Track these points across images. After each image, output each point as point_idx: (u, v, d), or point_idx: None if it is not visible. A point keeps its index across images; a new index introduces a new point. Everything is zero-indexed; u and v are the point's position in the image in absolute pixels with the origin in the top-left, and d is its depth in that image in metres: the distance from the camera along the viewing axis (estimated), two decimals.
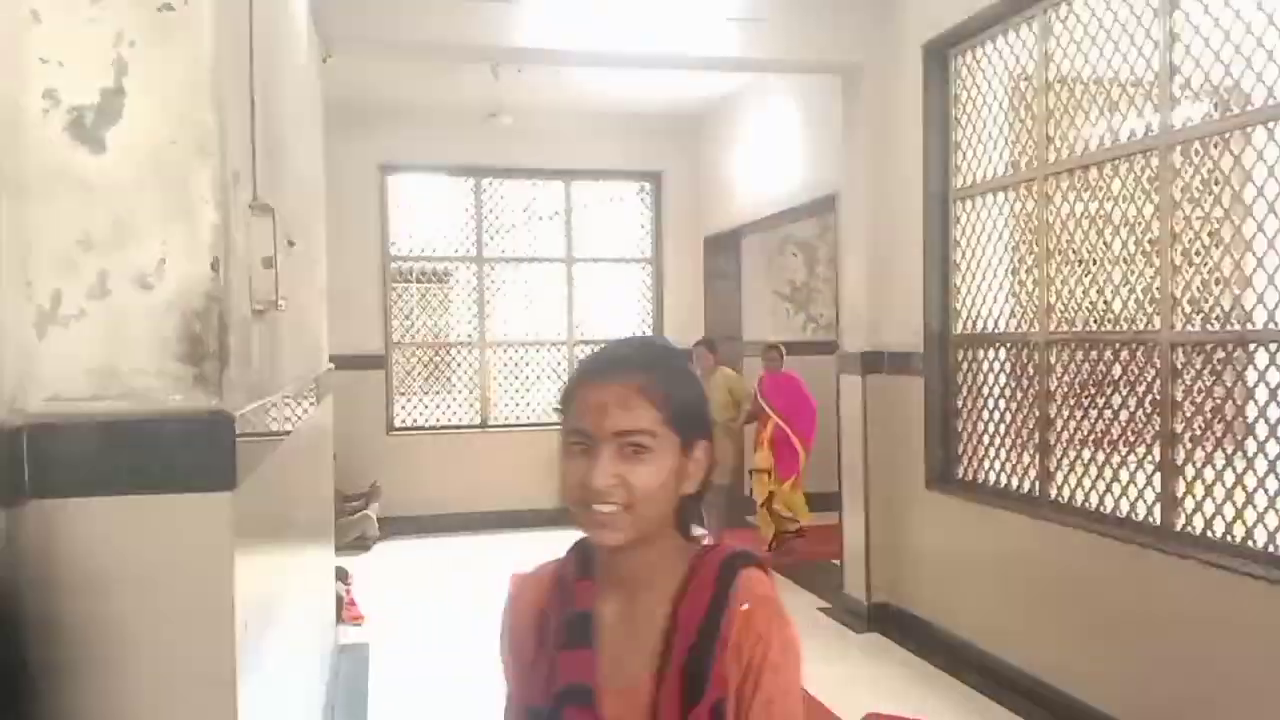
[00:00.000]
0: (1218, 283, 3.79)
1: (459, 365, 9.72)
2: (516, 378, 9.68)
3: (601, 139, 9.45)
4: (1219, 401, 3.79)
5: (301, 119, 3.97)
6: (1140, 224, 4.16)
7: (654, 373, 1.32)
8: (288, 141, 3.18)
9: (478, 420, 9.55)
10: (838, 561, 6.56)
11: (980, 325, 5.28)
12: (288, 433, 2.71)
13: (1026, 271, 4.91)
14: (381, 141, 8.98)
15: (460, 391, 9.74)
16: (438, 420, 9.53)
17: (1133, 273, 4.22)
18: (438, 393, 9.86)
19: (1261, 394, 3.58)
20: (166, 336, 1.73)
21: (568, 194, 9.74)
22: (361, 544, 8.14)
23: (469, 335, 9.70)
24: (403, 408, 9.47)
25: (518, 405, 9.67)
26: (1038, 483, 4.79)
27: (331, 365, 5.28)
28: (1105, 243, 4.38)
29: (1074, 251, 4.58)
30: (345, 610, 6.00)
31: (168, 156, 1.73)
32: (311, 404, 3.65)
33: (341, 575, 6.15)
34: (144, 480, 1.69)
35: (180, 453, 1.70)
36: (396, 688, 5.13)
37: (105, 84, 1.71)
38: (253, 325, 2.17)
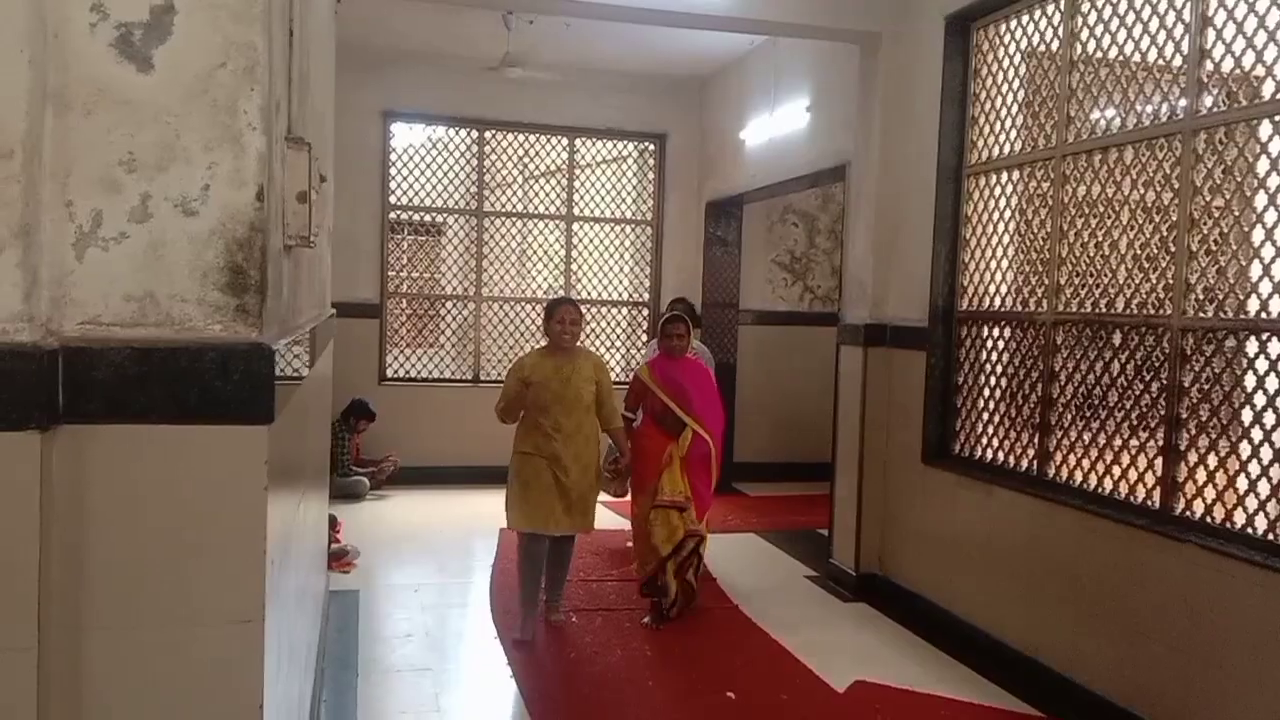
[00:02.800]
0: (1234, 272, 3.78)
1: (451, 319, 9.65)
2: (510, 334, 9.63)
3: (608, 97, 9.36)
4: (1226, 389, 3.80)
5: (320, 56, 3.89)
6: (1158, 209, 4.15)
7: None
8: (312, 77, 3.12)
9: (470, 375, 9.51)
10: (825, 530, 6.60)
11: (986, 303, 5.27)
12: (307, 372, 2.68)
13: (1037, 251, 4.90)
14: (386, 88, 8.87)
15: (451, 345, 9.69)
16: (429, 373, 9.49)
17: (1147, 257, 4.22)
18: (429, 345, 9.81)
19: (1271, 383, 3.59)
20: (209, 265, 1.69)
21: (570, 151, 9.65)
22: (354, 495, 8.13)
23: (464, 289, 9.63)
24: (395, 359, 9.42)
25: (510, 361, 9.61)
26: (1035, 462, 4.80)
27: (334, 311, 5.22)
28: (1120, 226, 4.37)
29: (1088, 234, 4.56)
30: (334, 558, 5.98)
31: (216, 79, 1.69)
32: (320, 346, 3.61)
33: (331, 523, 6.13)
34: (180, 409, 1.66)
35: (218, 383, 1.67)
36: (384, 634, 5.14)
37: (155, 0, 1.66)
38: (284, 260, 2.13)
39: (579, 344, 5.22)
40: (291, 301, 2.42)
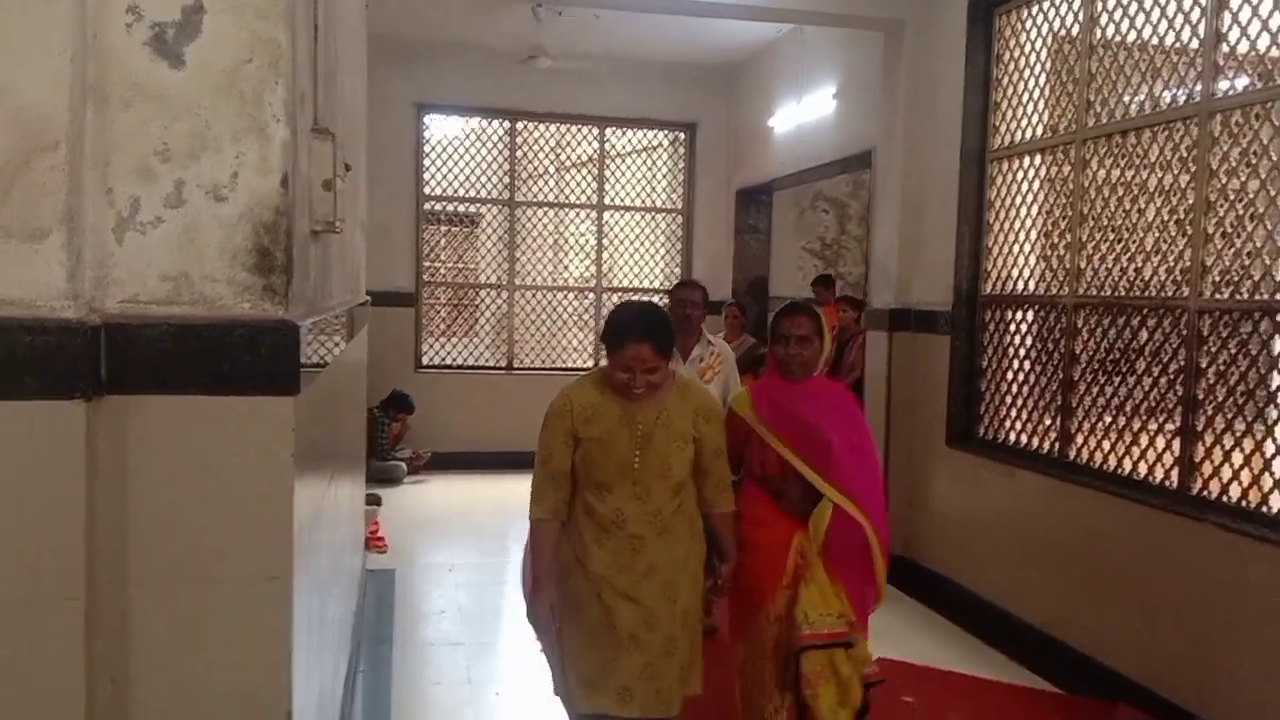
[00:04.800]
0: (1249, 254, 3.81)
1: (485, 307, 9.82)
2: (543, 322, 9.77)
3: (638, 86, 9.45)
4: (1243, 370, 3.84)
5: (349, 50, 4.03)
6: (1175, 192, 4.18)
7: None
8: (340, 71, 3.25)
9: (503, 362, 9.67)
10: None
11: (1009, 286, 5.32)
12: (338, 351, 2.81)
13: (1059, 235, 4.94)
14: (419, 80, 9.02)
15: (486, 334, 9.86)
16: (463, 360, 9.65)
17: (1165, 240, 4.25)
18: (464, 334, 9.98)
19: None
20: (237, 247, 1.81)
21: (601, 140, 9.76)
22: (392, 479, 8.32)
23: (497, 278, 9.79)
24: (430, 346, 9.60)
25: (543, 350, 9.77)
26: (1058, 444, 4.85)
27: (368, 298, 5.37)
28: (1139, 209, 4.40)
29: (1107, 217, 4.60)
30: (371, 538, 6.16)
31: (243, 74, 1.81)
32: (352, 331, 3.75)
33: (372, 502, 6.31)
34: (212, 381, 1.78)
35: (247, 357, 1.79)
36: (419, 610, 5.30)
37: (186, 1, 1.78)
38: (310, 245, 2.25)
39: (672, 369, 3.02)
40: (320, 284, 2.55)
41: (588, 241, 10.02)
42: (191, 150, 1.79)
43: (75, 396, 1.68)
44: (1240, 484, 3.80)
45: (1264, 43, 3.73)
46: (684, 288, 4.97)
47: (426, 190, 9.42)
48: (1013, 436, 5.23)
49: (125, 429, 1.76)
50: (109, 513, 1.75)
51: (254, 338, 1.79)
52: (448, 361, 9.60)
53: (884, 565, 3.27)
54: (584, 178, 9.92)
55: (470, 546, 6.71)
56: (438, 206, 9.72)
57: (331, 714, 3.09)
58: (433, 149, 9.44)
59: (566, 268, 10.34)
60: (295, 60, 1.91)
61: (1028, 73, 5.19)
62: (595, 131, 9.71)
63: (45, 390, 1.66)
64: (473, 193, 9.61)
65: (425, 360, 9.50)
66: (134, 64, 1.76)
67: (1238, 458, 3.82)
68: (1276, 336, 3.69)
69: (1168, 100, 4.27)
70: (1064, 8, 4.90)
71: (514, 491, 7.86)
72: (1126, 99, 4.52)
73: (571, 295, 9.96)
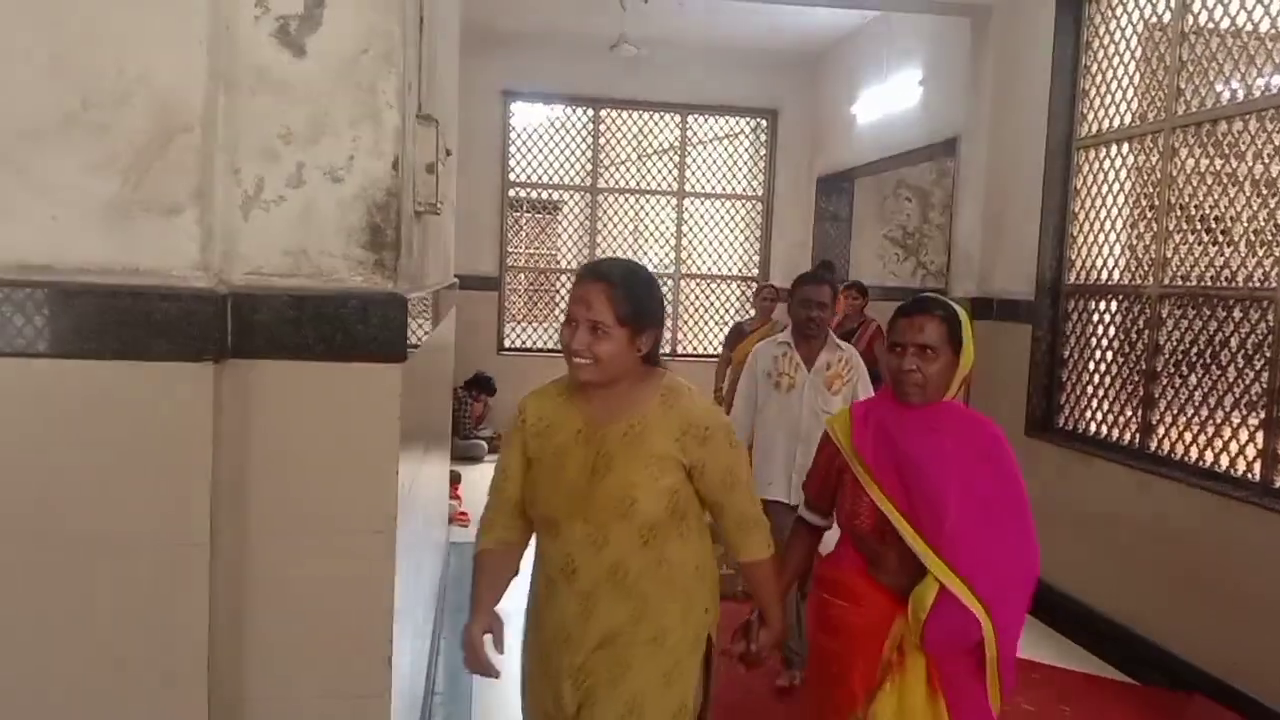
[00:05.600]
0: None
1: (564, 293, 9.99)
2: None
3: (720, 74, 9.50)
4: None
5: (444, 38, 4.17)
6: (1266, 181, 4.13)
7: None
8: (438, 59, 3.39)
9: None
10: None
11: (1093, 276, 5.28)
12: (430, 329, 2.96)
13: (1145, 225, 4.89)
14: (506, 68, 9.19)
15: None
16: (545, 344, 9.83)
17: (1254, 231, 4.20)
18: (543, 319, 10.17)
19: None
20: (352, 225, 1.95)
21: (683, 128, 9.83)
22: (473, 457, 8.54)
23: (577, 264, 9.95)
24: (511, 330, 9.79)
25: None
26: (1138, 435, 4.82)
27: (456, 280, 5.54)
28: (1229, 199, 4.35)
29: (1195, 207, 4.55)
30: (455, 514, 6.36)
31: (359, 63, 1.94)
32: (440, 311, 3.91)
33: (455, 479, 6.51)
34: (328, 348, 1.93)
35: (359, 327, 1.93)
36: None
37: None
38: (414, 225, 2.39)
39: (661, 374, 2.23)
40: (421, 262, 2.69)
41: (667, 228, 10.11)
42: (311, 134, 1.94)
43: (205, 359, 1.83)
44: None
45: None
46: (808, 283, 4.02)
47: (511, 177, 9.60)
48: (1093, 427, 5.20)
49: (247, 390, 1.92)
50: (231, 467, 1.91)
51: (366, 309, 1.93)
52: (528, 345, 9.79)
53: (1005, 673, 2.34)
54: (664, 164, 10.01)
55: None
56: (521, 193, 9.90)
57: (419, 669, 3.26)
58: (517, 136, 9.62)
59: (645, 254, 10.44)
60: (405, 50, 2.04)
61: (1116, 60, 5.13)
62: (677, 118, 9.79)
63: (177, 353, 1.82)
64: (554, 179, 9.77)
65: (507, 343, 9.70)
66: (260, 53, 1.91)
67: None
68: None
69: (1261, 87, 4.21)
70: None
71: None
72: (1218, 87, 4.46)
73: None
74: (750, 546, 2.25)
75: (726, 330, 7.80)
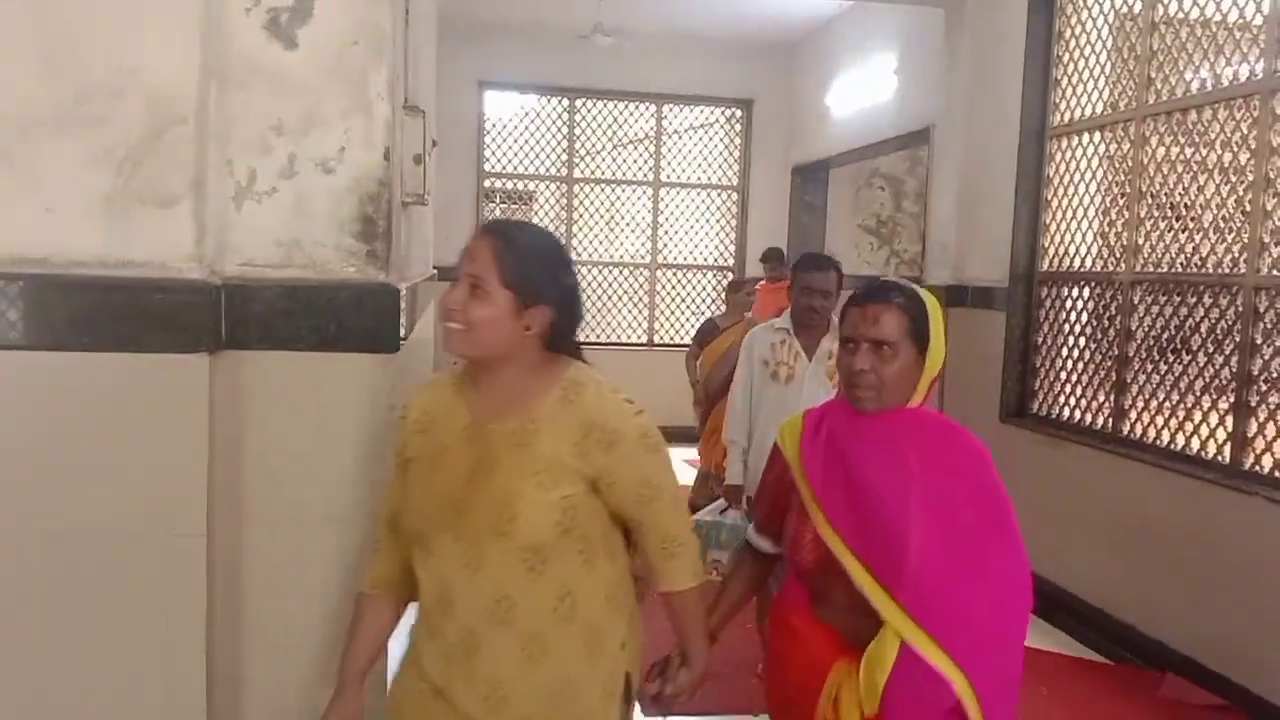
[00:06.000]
0: None
1: None
2: (597, 298, 9.91)
3: (696, 64, 9.51)
4: None
5: (425, 30, 4.18)
6: (1235, 170, 4.21)
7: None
8: (419, 50, 3.40)
9: None
10: None
11: (1066, 263, 5.36)
12: (417, 319, 2.98)
13: (1117, 212, 4.97)
14: (481, 57, 9.16)
15: None
16: None
17: (1223, 217, 4.28)
18: None
19: None
20: (344, 216, 1.97)
21: (658, 117, 9.85)
22: None
23: None
24: None
25: (600, 325, 9.92)
26: (1111, 420, 4.90)
27: (435, 271, 5.54)
28: (1198, 186, 4.43)
29: (1166, 194, 4.63)
30: None
31: (350, 55, 1.96)
32: (425, 306, 3.92)
33: None
34: (321, 339, 1.95)
35: (352, 317, 1.95)
36: None
37: None
38: (401, 216, 2.41)
39: (574, 373, 1.81)
40: (406, 254, 2.71)
41: (643, 218, 10.13)
42: (303, 126, 1.95)
43: (200, 350, 1.85)
44: None
45: None
46: (811, 269, 3.69)
47: (486, 167, 9.59)
48: (1066, 412, 5.28)
49: (241, 381, 1.94)
50: (226, 457, 1.93)
51: (359, 299, 1.95)
52: None
53: None
54: (639, 154, 10.03)
55: None
56: (496, 184, 9.89)
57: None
58: (492, 126, 9.61)
59: (620, 244, 10.47)
60: (395, 42, 2.06)
61: (1088, 49, 5.20)
62: (652, 108, 9.81)
63: (173, 344, 1.83)
64: (528, 170, 9.76)
65: None
66: (252, 46, 1.93)
67: None
68: None
69: (1229, 77, 4.29)
70: None
71: None
72: (1188, 76, 4.54)
73: (626, 271, 10.09)
74: (673, 573, 1.84)
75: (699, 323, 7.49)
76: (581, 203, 9.85)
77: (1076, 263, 5.27)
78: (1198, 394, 4.36)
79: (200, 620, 1.88)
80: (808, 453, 1.95)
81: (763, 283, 7.69)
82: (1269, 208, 3.99)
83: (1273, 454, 3.93)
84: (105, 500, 1.83)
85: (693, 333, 6.75)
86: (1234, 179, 4.22)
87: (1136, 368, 4.76)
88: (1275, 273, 3.97)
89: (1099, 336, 5.05)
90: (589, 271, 9.88)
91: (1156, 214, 4.70)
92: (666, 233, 10.09)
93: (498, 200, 10.25)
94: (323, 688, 1.97)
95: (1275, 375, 3.97)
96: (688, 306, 10.07)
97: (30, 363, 1.77)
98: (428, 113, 3.98)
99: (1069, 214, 5.34)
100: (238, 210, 1.94)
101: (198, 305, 1.84)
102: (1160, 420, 4.58)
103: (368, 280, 1.98)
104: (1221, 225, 4.28)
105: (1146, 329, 4.70)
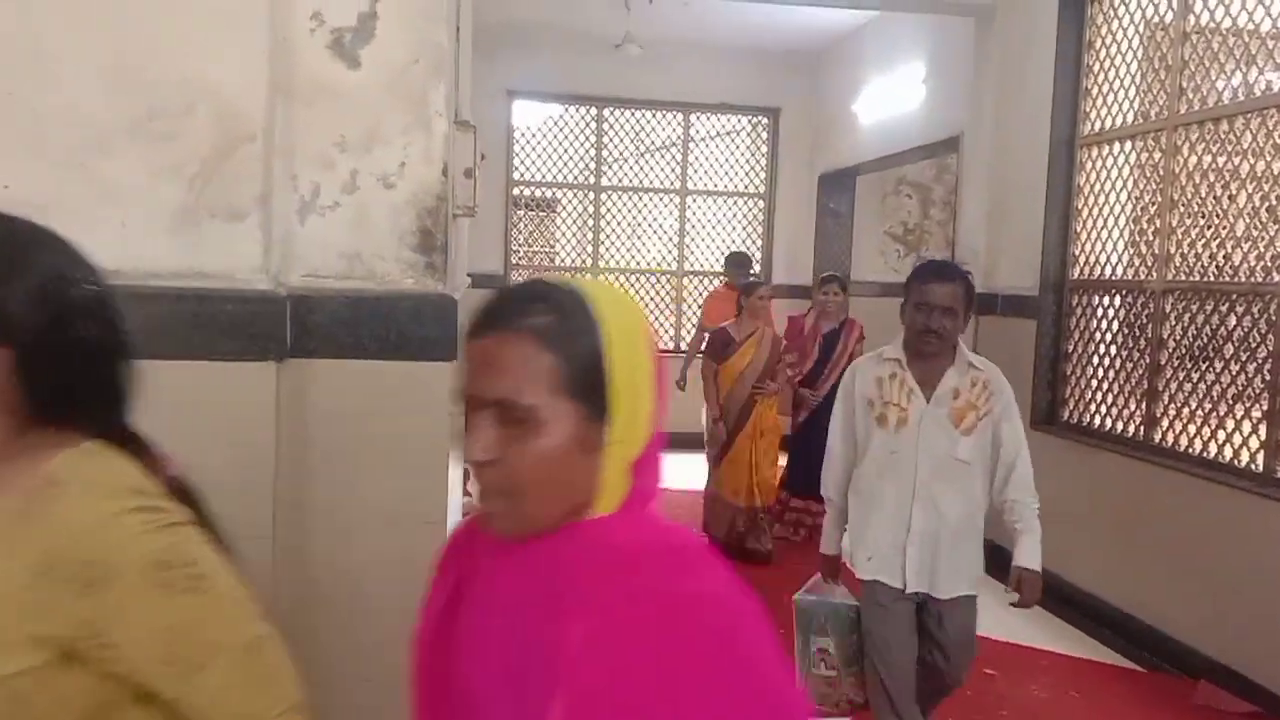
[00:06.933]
0: None
1: None
2: None
3: (723, 73, 9.56)
4: None
5: (462, 42, 4.26)
6: (1268, 178, 4.22)
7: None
8: (462, 63, 3.47)
9: None
10: None
11: (1097, 272, 5.38)
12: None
13: (1148, 221, 4.99)
14: (511, 67, 9.24)
15: None
16: None
17: (1255, 227, 4.30)
18: None
19: None
20: (404, 229, 2.04)
21: (685, 126, 9.91)
22: None
23: (579, 262, 10.03)
24: None
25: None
26: (1143, 427, 4.92)
27: (469, 279, 5.62)
28: (1230, 195, 4.45)
29: (1198, 203, 4.65)
30: (468, 508, 6.45)
31: (410, 74, 2.03)
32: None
33: (466, 475, 6.59)
34: (381, 348, 2.02)
35: (412, 326, 2.02)
36: None
37: (362, 9, 2.01)
38: (452, 227, 2.47)
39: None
40: (456, 263, 2.78)
41: (669, 225, 10.19)
42: (365, 142, 2.02)
43: (268, 358, 1.92)
44: None
45: None
46: (929, 279, 2.90)
47: (515, 175, 9.68)
48: (1097, 420, 5.30)
49: (305, 387, 2.00)
50: (290, 461, 2.00)
51: (418, 309, 2.02)
52: None
53: None
54: (665, 162, 10.09)
55: None
56: (525, 192, 9.98)
57: None
58: (521, 135, 9.69)
59: (646, 252, 10.52)
60: (452, 60, 2.12)
61: (1119, 59, 5.22)
62: (679, 116, 9.87)
63: (242, 353, 1.90)
64: (554, 177, 9.85)
65: None
66: (316, 65, 2.00)
67: None
68: None
69: (1261, 86, 4.31)
70: None
71: None
72: (1219, 85, 4.56)
73: (652, 279, 10.15)
74: None
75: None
76: (608, 210, 9.92)
77: (1108, 271, 5.29)
78: (1230, 402, 4.38)
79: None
80: (433, 598, 1.18)
81: (719, 286, 7.78)
82: None
83: None
84: None
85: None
86: (1265, 187, 4.23)
87: (1168, 376, 4.78)
88: None
89: (1130, 344, 5.07)
90: (617, 279, 9.94)
91: (1188, 222, 4.71)
92: (693, 240, 10.14)
93: (522, 207, 10.34)
94: (384, 688, 2.03)
95: None
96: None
97: None
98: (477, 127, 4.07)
99: (1099, 222, 5.36)
100: (302, 224, 2.01)
101: (265, 315, 1.91)
102: (1192, 428, 4.59)
103: (426, 291, 2.05)
104: (1254, 234, 4.29)
105: (1178, 337, 4.72)
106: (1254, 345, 4.24)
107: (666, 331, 10.15)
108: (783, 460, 6.29)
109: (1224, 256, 4.45)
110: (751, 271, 7.83)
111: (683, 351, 9.77)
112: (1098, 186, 5.38)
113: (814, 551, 3.26)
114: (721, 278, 8.28)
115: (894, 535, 2.97)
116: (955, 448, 2.93)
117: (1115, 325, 5.22)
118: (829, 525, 3.20)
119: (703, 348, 6.39)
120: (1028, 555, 3.10)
